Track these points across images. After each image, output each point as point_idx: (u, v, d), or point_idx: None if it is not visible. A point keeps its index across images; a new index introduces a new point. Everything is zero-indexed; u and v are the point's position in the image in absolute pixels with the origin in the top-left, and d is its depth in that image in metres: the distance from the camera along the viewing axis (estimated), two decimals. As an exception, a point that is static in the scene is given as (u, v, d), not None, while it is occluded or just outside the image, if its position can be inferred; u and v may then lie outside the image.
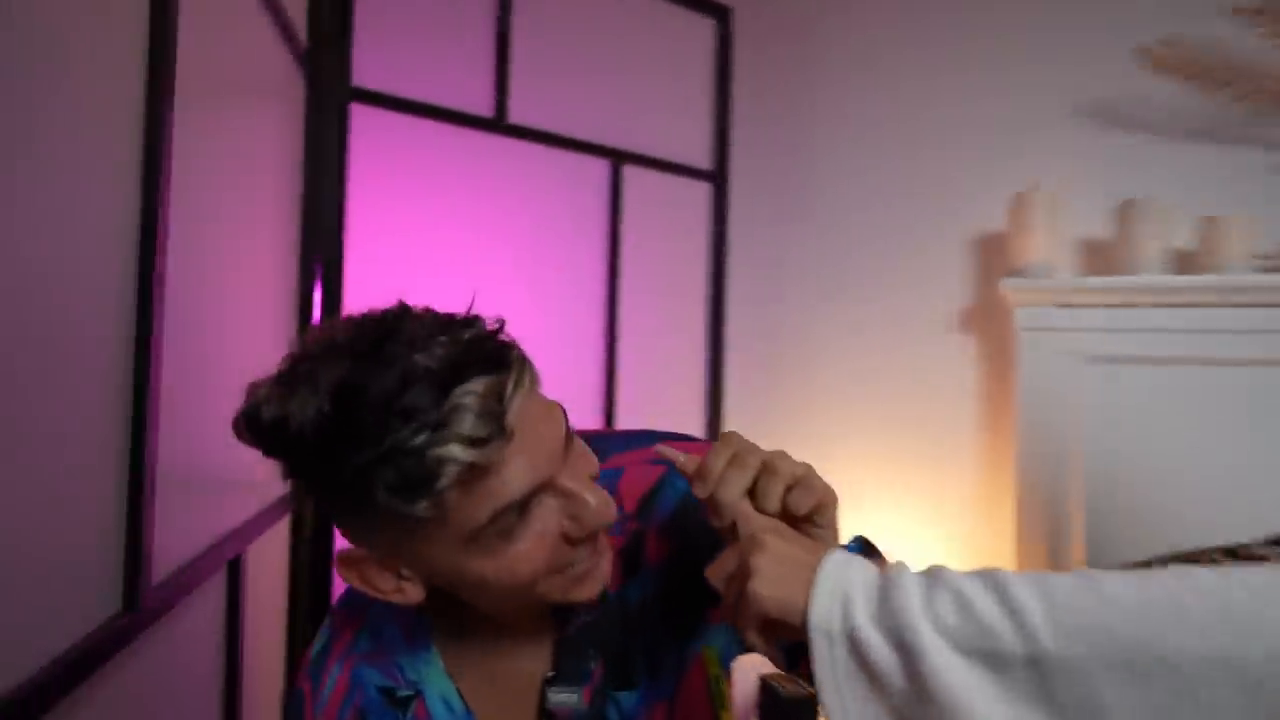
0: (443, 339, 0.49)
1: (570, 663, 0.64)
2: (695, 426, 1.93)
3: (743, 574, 0.50)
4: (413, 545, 0.52)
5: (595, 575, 0.58)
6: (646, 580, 0.66)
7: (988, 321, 1.85)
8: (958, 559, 1.83)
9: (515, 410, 0.50)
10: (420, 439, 0.46)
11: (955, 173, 1.89)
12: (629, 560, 0.66)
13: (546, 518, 0.53)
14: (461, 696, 0.63)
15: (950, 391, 1.88)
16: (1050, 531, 1.64)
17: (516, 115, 1.62)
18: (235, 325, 1.09)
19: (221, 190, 1.02)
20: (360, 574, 0.55)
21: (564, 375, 1.70)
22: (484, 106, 1.58)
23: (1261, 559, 1.33)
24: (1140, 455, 1.60)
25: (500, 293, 1.59)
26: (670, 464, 0.62)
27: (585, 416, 1.74)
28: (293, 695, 0.65)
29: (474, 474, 0.48)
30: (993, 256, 1.85)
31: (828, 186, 2.02)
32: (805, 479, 0.55)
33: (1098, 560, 1.58)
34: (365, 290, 1.42)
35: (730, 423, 2.00)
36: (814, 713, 0.68)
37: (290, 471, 0.53)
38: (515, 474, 0.50)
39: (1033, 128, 1.82)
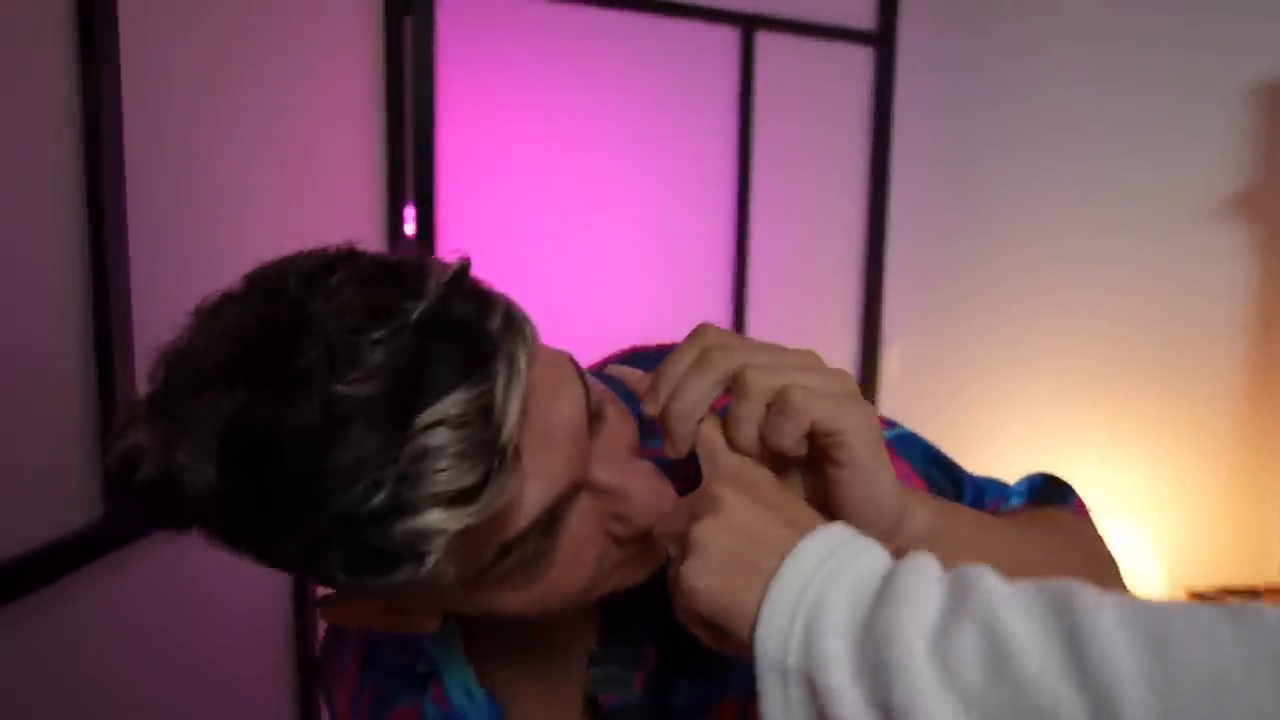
0: (377, 333, 0.31)
1: (618, 640, 0.52)
2: (845, 357, 1.61)
3: (684, 545, 0.36)
4: (405, 597, 0.41)
5: (654, 551, 0.44)
6: None
7: (1270, 207, 1.37)
8: (1210, 492, 1.40)
9: (514, 418, 0.33)
10: (376, 503, 0.31)
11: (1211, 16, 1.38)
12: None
13: (582, 524, 0.40)
14: (484, 684, 0.52)
15: (1205, 307, 1.45)
16: None
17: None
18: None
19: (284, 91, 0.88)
20: (352, 614, 0.43)
21: (682, 300, 1.47)
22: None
23: None
24: None
25: (608, 200, 1.37)
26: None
27: None
28: (322, 654, 0.59)
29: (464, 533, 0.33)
30: (1273, 118, 1.34)
31: (1030, 40, 1.57)
32: (790, 395, 0.36)
33: None
34: (462, 205, 1.25)
35: (892, 352, 1.66)
36: None
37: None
38: (524, 498, 0.36)
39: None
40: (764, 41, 1.47)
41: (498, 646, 0.53)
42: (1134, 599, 0.29)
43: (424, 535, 0.32)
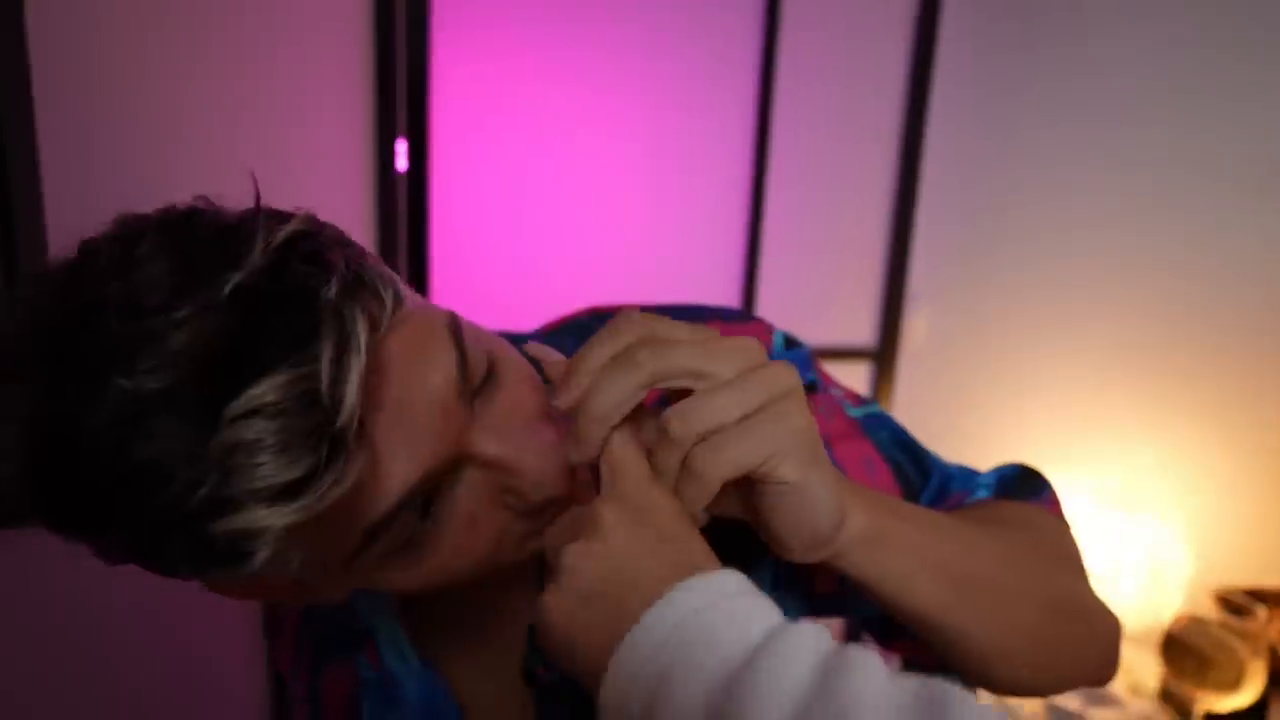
0: (181, 312, 0.28)
1: None
2: (864, 321, 1.51)
3: (553, 566, 0.33)
4: (273, 583, 0.37)
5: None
6: None
7: None
8: (1249, 485, 1.30)
9: (350, 399, 0.30)
10: (191, 503, 0.28)
11: None
12: None
13: (472, 499, 0.38)
14: (420, 649, 0.51)
15: (1269, 273, 1.29)
16: None
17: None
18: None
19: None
20: (246, 589, 0.39)
21: (692, 251, 1.38)
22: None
23: None
24: None
25: (614, 141, 1.28)
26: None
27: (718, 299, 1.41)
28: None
29: (301, 527, 0.31)
30: None
31: None
32: (693, 463, 0.33)
33: None
34: (457, 143, 1.18)
35: (917, 317, 1.55)
36: None
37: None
38: (384, 475, 0.33)
39: None
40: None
41: (435, 612, 0.51)
42: None
43: (249, 534, 0.29)
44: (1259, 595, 1.14)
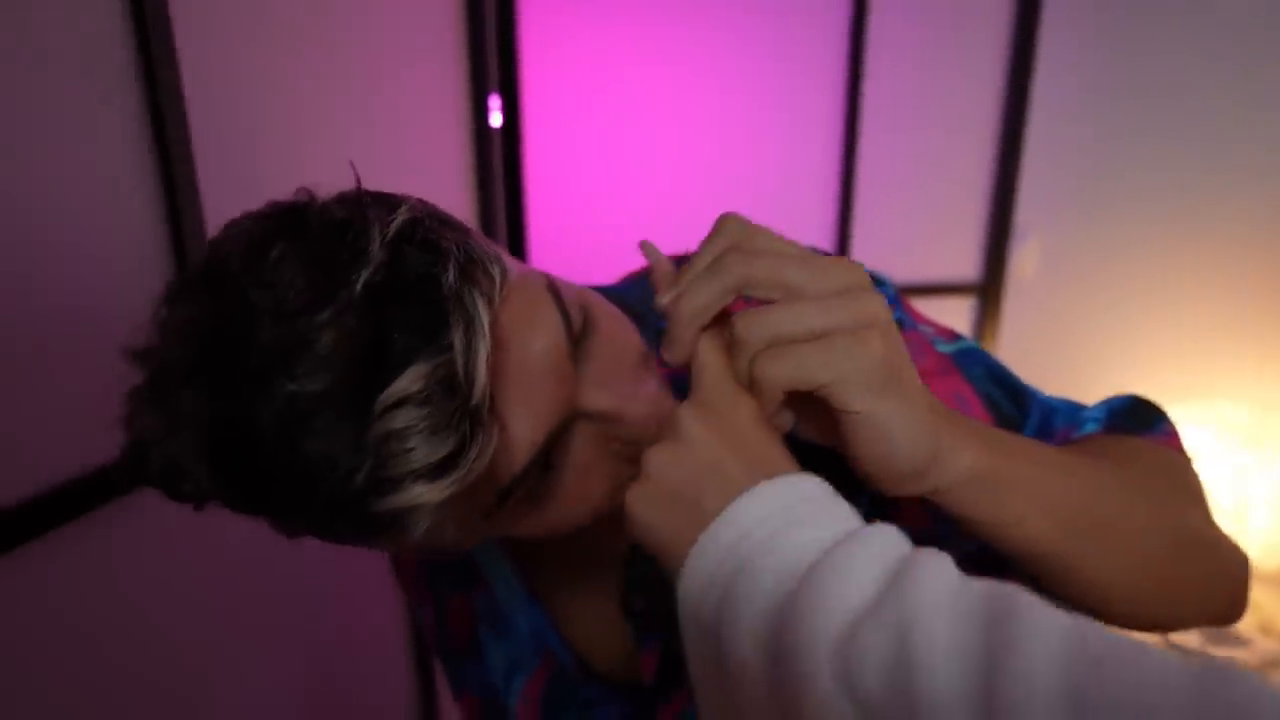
0: (323, 314, 0.30)
1: None
2: (968, 261, 1.43)
3: (641, 467, 0.34)
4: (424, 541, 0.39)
5: None
6: None
7: None
8: None
9: (482, 380, 0.32)
10: (356, 487, 0.31)
11: None
12: None
13: (585, 450, 0.39)
14: (525, 582, 0.54)
15: None
16: None
17: None
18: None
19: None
20: (400, 550, 0.44)
21: (786, 183, 1.34)
22: None
23: None
24: None
25: (704, 98, 1.25)
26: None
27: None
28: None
29: (451, 500, 0.33)
30: None
31: None
32: (756, 369, 0.33)
33: None
34: (549, 101, 1.19)
35: (1028, 246, 1.46)
36: None
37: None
38: (512, 439, 0.35)
39: None
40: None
41: (541, 551, 0.54)
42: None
43: (410, 510, 0.32)
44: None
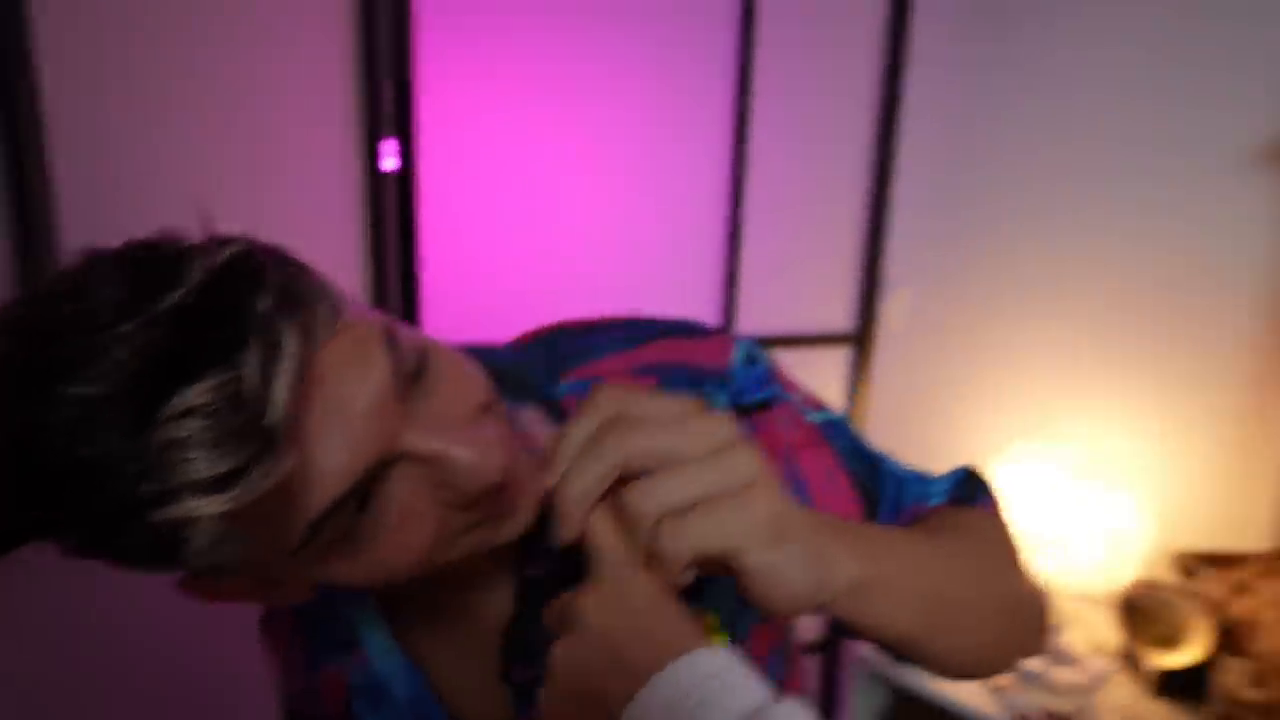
0: (125, 327, 0.31)
1: (532, 610, 0.50)
2: (844, 316, 1.55)
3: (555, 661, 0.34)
4: (236, 575, 0.39)
5: (520, 510, 0.43)
6: None
7: None
8: (1205, 458, 1.36)
9: (279, 400, 0.32)
10: (133, 498, 0.31)
11: None
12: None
13: (409, 494, 0.39)
14: (404, 648, 0.53)
15: (1218, 250, 1.34)
16: None
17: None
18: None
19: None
20: (212, 592, 0.41)
21: (675, 242, 1.39)
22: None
23: None
24: None
25: (598, 141, 1.29)
26: (665, 373, 0.51)
27: (696, 306, 1.43)
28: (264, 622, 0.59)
29: (233, 516, 0.33)
30: None
31: None
32: (659, 545, 0.35)
33: None
34: (445, 142, 1.19)
35: (895, 300, 1.58)
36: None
37: None
38: (321, 471, 0.35)
39: None
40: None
41: (418, 612, 0.53)
42: None
43: (184, 523, 0.32)
44: (1212, 558, 1.20)
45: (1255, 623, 1.08)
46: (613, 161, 1.32)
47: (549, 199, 1.29)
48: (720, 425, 0.36)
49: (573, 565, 0.45)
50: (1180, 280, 1.37)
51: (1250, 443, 1.32)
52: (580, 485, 0.36)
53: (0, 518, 0.34)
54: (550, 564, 0.50)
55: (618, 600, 0.34)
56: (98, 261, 0.34)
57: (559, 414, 0.51)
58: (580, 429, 0.36)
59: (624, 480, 0.36)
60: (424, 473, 0.38)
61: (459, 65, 1.19)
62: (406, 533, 0.39)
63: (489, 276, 1.26)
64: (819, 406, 0.57)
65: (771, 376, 0.55)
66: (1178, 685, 1.23)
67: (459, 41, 1.19)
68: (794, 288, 1.49)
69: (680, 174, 1.39)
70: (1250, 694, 1.11)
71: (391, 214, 1.16)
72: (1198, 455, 1.37)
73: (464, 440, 0.38)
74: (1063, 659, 1.25)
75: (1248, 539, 1.29)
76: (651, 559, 0.34)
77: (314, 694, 0.55)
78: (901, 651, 0.44)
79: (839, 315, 1.54)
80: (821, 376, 1.55)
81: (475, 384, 0.41)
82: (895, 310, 1.58)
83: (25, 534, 0.35)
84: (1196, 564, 1.16)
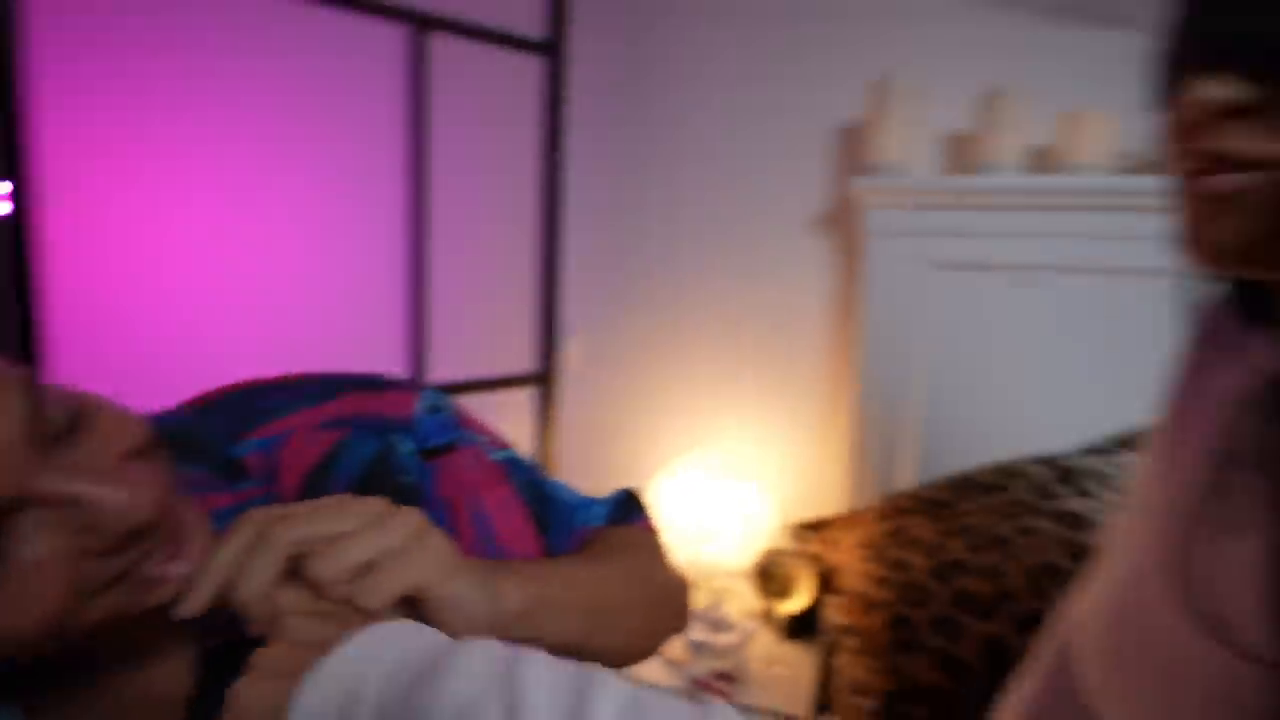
0: None
1: (215, 682, 0.49)
2: (527, 360, 1.71)
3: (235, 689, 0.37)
4: None
5: (178, 571, 0.41)
6: None
7: (842, 224, 1.69)
8: (804, 450, 1.76)
9: None
10: None
11: (816, 59, 1.65)
12: None
13: (41, 540, 0.37)
14: None
15: (801, 298, 1.75)
16: (886, 434, 1.57)
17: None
18: None
19: None
20: None
21: (358, 309, 1.41)
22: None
23: (1069, 469, 1.33)
24: (984, 364, 1.51)
25: (263, 206, 1.26)
26: (354, 424, 0.53)
27: (387, 362, 1.46)
28: None
29: None
30: (851, 151, 1.66)
31: (673, 69, 1.74)
32: (354, 603, 0.39)
33: (929, 467, 1.53)
34: (75, 199, 1.08)
35: (572, 345, 1.80)
36: None
37: None
38: None
39: (894, 11, 1.58)
40: (437, 43, 1.47)
41: (75, 705, 0.47)
42: (640, 694, 0.34)
43: None
44: (812, 524, 1.58)
45: (841, 568, 1.45)
46: (280, 222, 1.30)
47: (207, 259, 1.23)
48: (372, 503, 0.40)
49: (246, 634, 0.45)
50: (778, 316, 1.78)
51: (830, 436, 1.76)
52: (257, 579, 0.38)
53: None
54: (230, 632, 0.48)
55: (295, 646, 0.37)
56: None
57: (239, 472, 0.51)
58: (231, 544, 0.39)
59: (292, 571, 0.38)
60: (62, 518, 0.37)
61: (93, 102, 1.10)
62: (40, 584, 0.37)
63: (132, 332, 1.14)
64: (503, 446, 0.63)
65: (455, 422, 0.59)
66: (800, 627, 1.58)
67: (96, 76, 1.10)
68: (479, 336, 1.61)
69: (357, 230, 1.40)
70: (843, 620, 1.47)
71: (3, 262, 1.02)
72: (798, 447, 1.77)
73: (109, 480, 0.38)
74: (721, 626, 1.53)
75: (834, 505, 1.71)
76: (351, 613, 0.38)
77: None
78: (573, 655, 0.50)
79: (523, 359, 1.70)
80: (512, 416, 1.68)
81: (129, 430, 0.40)
82: (574, 352, 1.79)
83: None
84: (802, 530, 1.52)
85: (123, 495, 0.38)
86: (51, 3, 1.04)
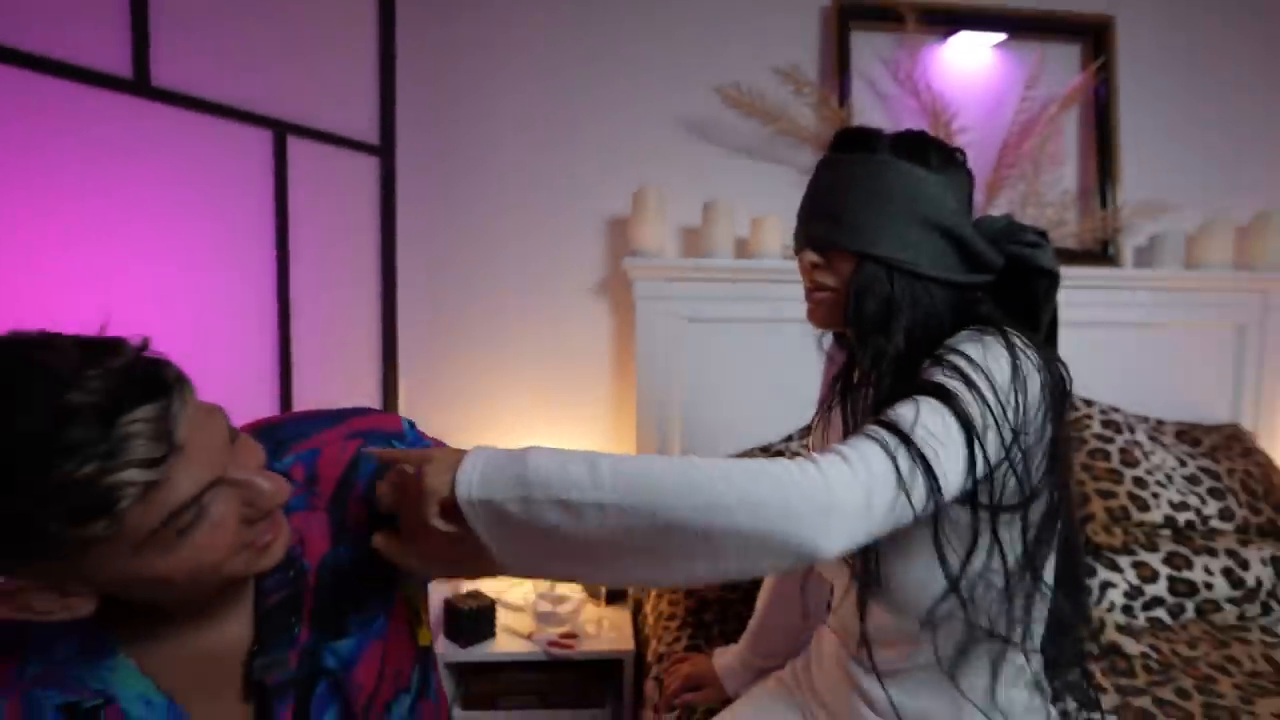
0: (93, 372, 0.49)
1: (272, 631, 0.65)
2: (372, 399, 1.98)
3: (420, 483, 0.61)
4: (82, 563, 0.51)
5: (276, 545, 0.61)
6: (351, 543, 0.69)
7: (616, 290, 2.17)
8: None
9: (182, 425, 0.51)
10: (89, 469, 0.47)
11: (591, 167, 2.17)
12: (335, 528, 0.69)
13: (223, 507, 0.55)
14: (163, 690, 0.60)
15: (590, 343, 2.18)
16: (661, 440, 2.10)
17: (162, 77, 1.49)
18: None
19: None
20: (15, 604, 0.56)
21: (235, 361, 1.60)
22: (121, 65, 1.42)
23: (779, 453, 2.00)
24: (719, 387, 2.15)
25: (156, 278, 1.43)
26: (367, 436, 0.73)
27: (261, 401, 1.65)
28: None
29: (149, 488, 0.50)
30: (620, 237, 2.22)
31: (485, 169, 2.13)
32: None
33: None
34: None
35: (405, 389, 2.07)
36: (489, 621, 1.09)
37: None
38: (186, 479, 0.52)
39: (648, 136, 2.20)
40: (294, 145, 1.77)
41: (163, 651, 0.61)
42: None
43: (122, 485, 0.47)
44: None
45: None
46: (161, 299, 1.47)
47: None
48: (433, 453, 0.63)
49: (298, 594, 0.64)
50: (573, 357, 2.23)
51: (617, 440, 2.28)
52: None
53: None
54: (286, 597, 0.65)
55: (438, 464, 0.62)
56: (50, 339, 0.50)
57: (287, 478, 0.67)
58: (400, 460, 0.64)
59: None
60: (236, 494, 0.55)
61: None
62: (217, 535, 0.54)
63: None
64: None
65: (422, 435, 0.80)
66: (613, 595, 2.04)
67: None
68: (333, 376, 1.87)
69: (233, 293, 1.59)
70: None
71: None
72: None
73: (264, 476, 0.57)
74: (559, 601, 1.87)
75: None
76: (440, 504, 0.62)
77: None
78: None
79: (371, 396, 1.99)
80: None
81: (260, 452, 0.61)
82: (406, 389, 2.12)
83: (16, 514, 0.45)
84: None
85: (272, 484, 0.58)
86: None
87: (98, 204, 1.37)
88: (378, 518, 0.69)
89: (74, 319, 1.33)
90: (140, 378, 0.50)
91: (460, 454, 0.63)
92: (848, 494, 0.60)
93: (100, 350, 0.50)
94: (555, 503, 0.58)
